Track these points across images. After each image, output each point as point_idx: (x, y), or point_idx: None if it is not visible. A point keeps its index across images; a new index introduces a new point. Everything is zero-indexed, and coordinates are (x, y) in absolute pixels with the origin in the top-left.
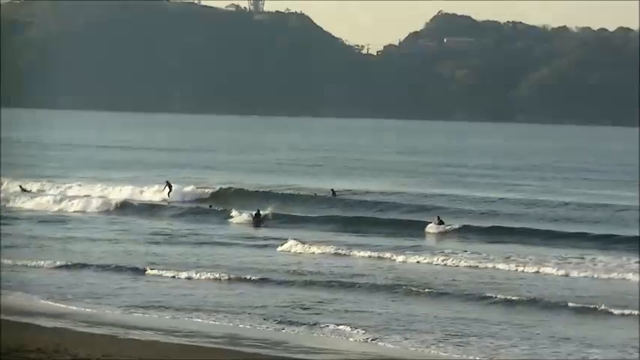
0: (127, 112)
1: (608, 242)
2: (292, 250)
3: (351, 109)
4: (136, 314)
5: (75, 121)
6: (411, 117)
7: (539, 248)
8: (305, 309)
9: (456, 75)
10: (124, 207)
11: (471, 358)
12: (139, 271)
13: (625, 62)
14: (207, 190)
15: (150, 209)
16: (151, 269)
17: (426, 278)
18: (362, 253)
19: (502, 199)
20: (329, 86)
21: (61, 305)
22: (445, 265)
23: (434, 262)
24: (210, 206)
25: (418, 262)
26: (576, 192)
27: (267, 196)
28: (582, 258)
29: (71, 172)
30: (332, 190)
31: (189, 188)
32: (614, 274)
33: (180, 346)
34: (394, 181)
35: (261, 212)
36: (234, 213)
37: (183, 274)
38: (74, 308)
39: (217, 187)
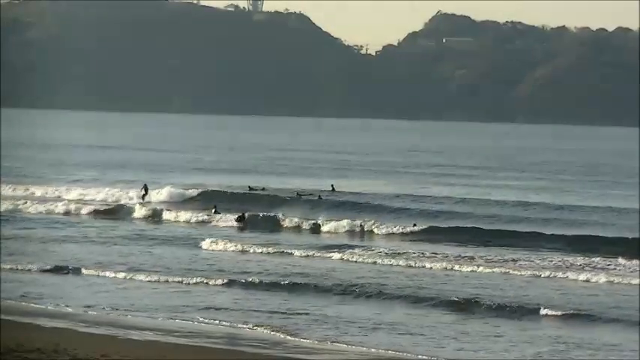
0: (126, 112)
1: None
2: (210, 248)
3: (351, 109)
4: (134, 315)
5: (73, 122)
6: (410, 117)
7: (490, 249)
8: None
9: (455, 75)
10: (88, 209)
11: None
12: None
13: (624, 62)
14: (189, 192)
15: (116, 212)
16: (87, 269)
17: (332, 276)
18: (296, 252)
19: (479, 199)
20: (328, 86)
21: (60, 306)
22: (354, 262)
23: (340, 259)
24: (215, 207)
25: (341, 259)
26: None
27: (254, 197)
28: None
29: (60, 174)
30: (332, 185)
31: (168, 190)
32: (558, 273)
33: (180, 346)
34: (391, 182)
35: (245, 214)
36: (166, 214)
37: (102, 272)
38: (73, 309)
39: (199, 190)
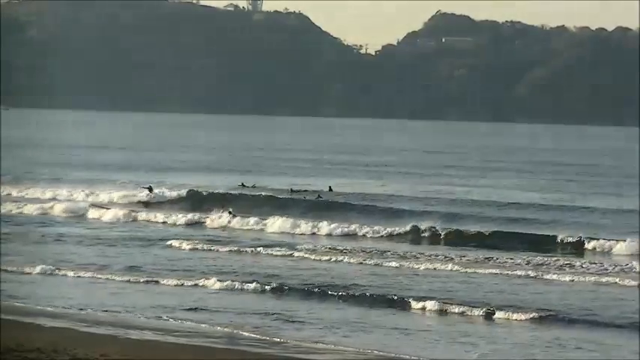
0: (125, 111)
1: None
2: (173, 246)
3: (350, 108)
4: (135, 314)
5: (72, 121)
6: (409, 117)
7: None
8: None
9: (454, 74)
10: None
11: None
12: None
13: (624, 62)
14: (176, 193)
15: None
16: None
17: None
18: (226, 248)
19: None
20: (328, 86)
21: (60, 305)
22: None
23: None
24: (230, 211)
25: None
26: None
27: (240, 198)
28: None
29: (59, 174)
30: (329, 187)
31: (165, 190)
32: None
33: (179, 345)
34: (391, 182)
35: (231, 212)
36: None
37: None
38: (73, 309)
39: (188, 189)
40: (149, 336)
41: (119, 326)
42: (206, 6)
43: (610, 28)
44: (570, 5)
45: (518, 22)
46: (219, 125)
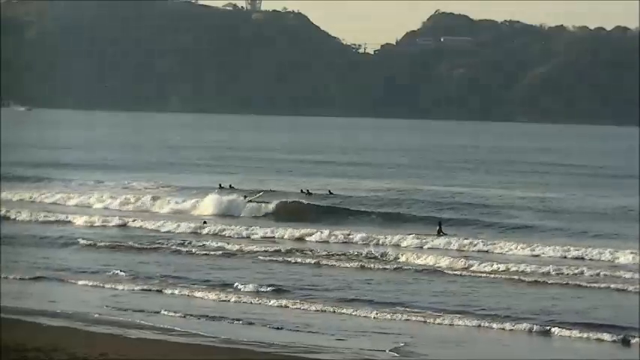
0: (125, 111)
1: None
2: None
3: (349, 108)
4: (133, 314)
5: (70, 121)
6: (408, 116)
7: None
8: None
9: (453, 74)
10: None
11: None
12: None
13: (623, 61)
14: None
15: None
16: None
17: None
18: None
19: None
20: (326, 85)
21: (59, 305)
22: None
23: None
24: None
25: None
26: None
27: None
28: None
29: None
30: (329, 190)
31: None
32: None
33: (179, 345)
34: (391, 183)
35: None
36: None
37: None
38: (72, 308)
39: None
40: (148, 335)
41: (118, 326)
42: (205, 5)
43: (609, 27)
44: (569, 5)
45: (517, 21)
46: (217, 125)
